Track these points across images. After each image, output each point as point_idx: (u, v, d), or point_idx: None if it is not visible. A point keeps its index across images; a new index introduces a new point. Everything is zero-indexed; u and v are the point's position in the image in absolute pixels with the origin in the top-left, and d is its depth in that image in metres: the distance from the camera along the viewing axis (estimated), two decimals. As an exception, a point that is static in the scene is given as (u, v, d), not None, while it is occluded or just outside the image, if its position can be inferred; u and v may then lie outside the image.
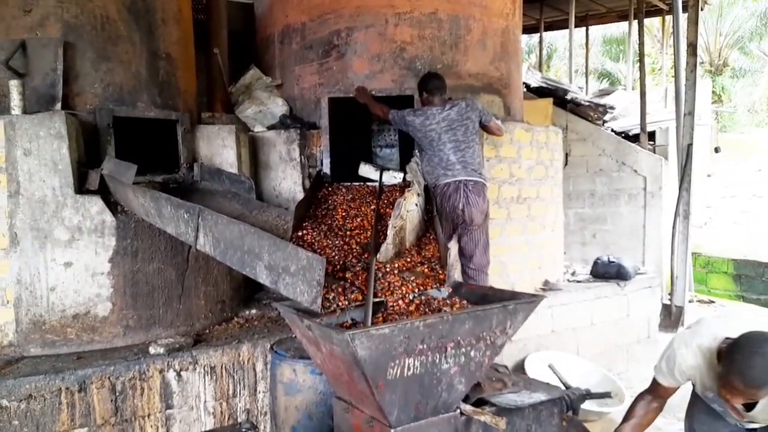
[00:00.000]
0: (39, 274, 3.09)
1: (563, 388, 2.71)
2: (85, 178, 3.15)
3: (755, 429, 2.45)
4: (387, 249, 2.77)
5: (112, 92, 3.39)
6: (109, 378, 2.95)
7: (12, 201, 3.04)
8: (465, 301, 2.52)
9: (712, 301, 7.79)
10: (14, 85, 3.05)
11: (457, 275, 3.56)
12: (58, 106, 3.16)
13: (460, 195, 3.56)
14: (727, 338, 2.25)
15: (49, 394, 2.82)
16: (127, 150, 3.37)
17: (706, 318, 2.52)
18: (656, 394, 2.56)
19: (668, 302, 6.25)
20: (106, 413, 2.95)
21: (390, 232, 2.78)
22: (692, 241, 6.93)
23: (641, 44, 8.33)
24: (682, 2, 7.31)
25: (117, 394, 2.97)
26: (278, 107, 4.71)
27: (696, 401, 2.66)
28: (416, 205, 3.17)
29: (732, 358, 2.10)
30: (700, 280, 8.88)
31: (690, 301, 7.02)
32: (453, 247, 3.64)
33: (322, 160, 4.39)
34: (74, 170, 3.09)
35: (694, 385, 2.56)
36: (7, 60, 3.10)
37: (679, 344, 2.39)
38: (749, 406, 2.25)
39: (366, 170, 4.08)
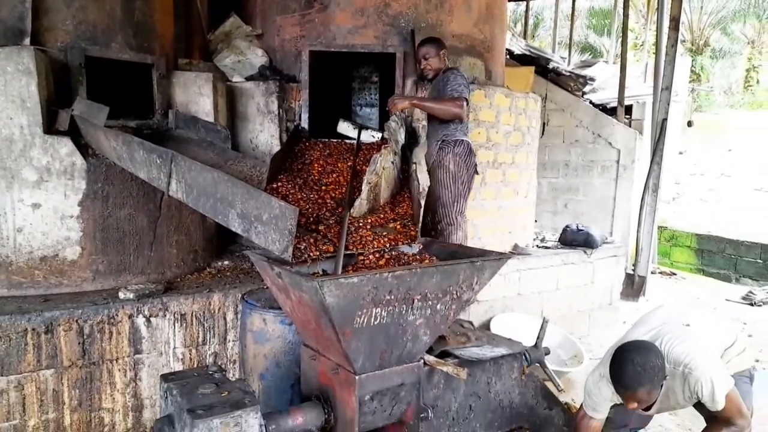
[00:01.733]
0: (5, 214, 3.03)
1: (536, 342, 2.81)
2: (54, 118, 3.06)
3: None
4: (361, 204, 2.79)
5: (84, 30, 3.27)
6: (77, 321, 2.94)
7: (-23, 138, 2.96)
8: (435, 258, 2.57)
9: (674, 273, 8.07)
10: (-20, 16, 2.93)
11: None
12: (27, 41, 3.04)
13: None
14: None
15: (14, 334, 2.81)
16: (99, 92, 3.28)
17: (608, 350, 2.65)
18: (591, 423, 2.64)
19: (632, 272, 6.45)
20: (73, 355, 2.96)
21: (365, 188, 2.80)
22: (659, 215, 7.11)
23: (625, 17, 8.32)
24: (669, -24, 7.29)
25: (85, 337, 2.97)
26: (258, 58, 4.61)
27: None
28: (392, 162, 3.18)
29: (612, 372, 2.36)
30: (664, 252, 9.16)
31: (653, 273, 7.27)
32: (465, 224, 3.55)
33: (300, 115, 4.35)
34: (43, 109, 3.00)
35: None
36: (-28, -11, 2.96)
37: (593, 382, 2.59)
38: (648, 408, 2.50)
39: (344, 128, 4.05)
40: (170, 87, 3.73)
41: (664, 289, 7.16)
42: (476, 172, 3.53)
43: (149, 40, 3.61)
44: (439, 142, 3.42)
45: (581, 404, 2.72)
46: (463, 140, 3.44)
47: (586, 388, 2.62)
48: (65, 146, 3.07)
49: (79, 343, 2.96)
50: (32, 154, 3.02)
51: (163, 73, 3.63)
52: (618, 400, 2.49)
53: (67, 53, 3.20)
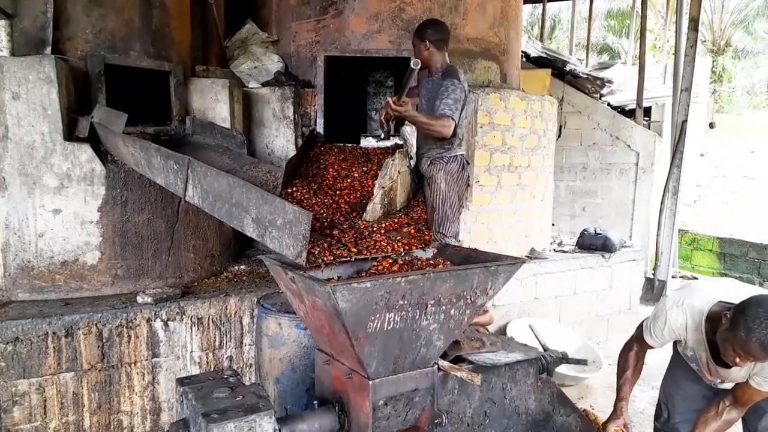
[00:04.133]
0: (27, 219, 3.09)
1: (541, 348, 2.79)
2: (74, 125, 3.12)
3: (726, 389, 2.55)
4: (374, 209, 2.80)
5: (103, 39, 3.33)
6: (96, 324, 2.99)
7: (0, 145, 3.02)
8: (449, 262, 2.56)
9: (695, 278, 7.92)
10: (2, 26, 3.01)
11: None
12: (48, 50, 3.11)
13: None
14: (721, 302, 2.31)
15: (35, 338, 2.86)
16: (118, 99, 3.34)
17: (697, 282, 2.57)
18: (641, 347, 2.65)
19: (652, 276, 6.36)
20: (93, 359, 3.01)
21: (377, 192, 2.80)
22: (680, 218, 7.01)
23: (643, 17, 8.22)
24: (688, -24, 7.20)
25: (104, 340, 3.02)
26: (273, 64, 4.66)
27: (674, 366, 2.75)
28: (408, 167, 3.18)
29: (746, 324, 2.05)
30: (685, 256, 9.00)
31: (673, 277, 7.15)
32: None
33: (315, 119, 4.38)
34: (64, 116, 3.06)
35: (676, 345, 2.64)
36: (-4, 0, 3.04)
37: (670, 305, 2.43)
38: (726, 365, 2.31)
39: (368, 142, 4.01)
40: (187, 94, 3.78)
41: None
42: (468, 185, 3.42)
43: (167, 48, 3.66)
44: (431, 158, 3.28)
45: (638, 325, 2.62)
46: (456, 155, 3.30)
47: (657, 308, 2.48)
48: (85, 153, 3.13)
49: (98, 347, 3.01)
50: (53, 160, 3.08)
51: (180, 80, 3.68)
52: (682, 337, 2.38)
53: (87, 61, 3.27)
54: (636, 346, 2.68)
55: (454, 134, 3.23)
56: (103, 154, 3.20)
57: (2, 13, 3.04)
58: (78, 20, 3.27)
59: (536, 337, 2.89)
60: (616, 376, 2.76)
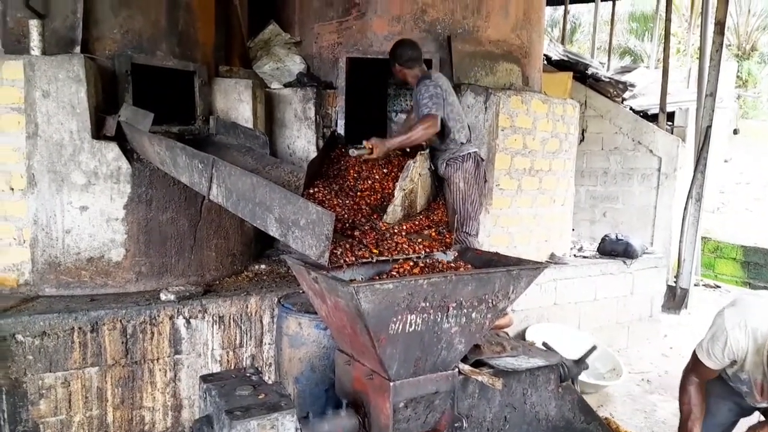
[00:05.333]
0: (55, 216, 3.15)
1: (581, 359, 2.75)
2: (102, 123, 3.18)
3: (762, 407, 2.49)
4: (395, 211, 2.80)
5: (131, 39, 3.39)
6: (120, 321, 3.04)
7: (30, 142, 3.09)
8: (470, 265, 2.55)
9: (718, 286, 7.79)
10: (34, 25, 3.06)
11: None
12: (78, 49, 3.17)
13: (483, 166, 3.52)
14: None
15: (62, 332, 2.92)
16: (144, 98, 3.39)
17: (747, 297, 2.47)
18: (700, 374, 2.50)
19: (674, 284, 6.27)
20: (117, 354, 3.05)
21: (398, 194, 2.81)
22: (703, 225, 6.90)
23: (667, 20, 8.12)
24: (714, -21, 7.10)
25: (128, 336, 3.06)
26: (296, 65, 4.69)
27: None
28: (429, 169, 3.19)
29: None
30: (707, 264, 8.85)
31: (696, 285, 7.03)
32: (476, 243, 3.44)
33: (337, 121, 4.40)
34: (92, 115, 3.12)
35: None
36: (28, 0, 3.10)
37: (731, 325, 2.30)
38: None
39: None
40: (211, 94, 3.83)
41: (707, 303, 6.92)
42: (485, 181, 3.46)
43: (192, 49, 3.71)
44: (446, 161, 3.35)
45: (693, 352, 2.48)
46: (469, 152, 3.38)
47: (715, 329, 2.35)
48: (112, 151, 3.18)
49: (122, 343, 3.05)
50: (81, 158, 3.14)
51: (204, 80, 3.73)
52: (740, 359, 2.28)
53: (115, 61, 3.32)
54: (695, 376, 2.53)
55: (449, 132, 3.33)
56: (129, 152, 3.25)
57: (34, 13, 3.10)
58: (106, 20, 3.33)
59: (586, 354, 2.83)
60: (681, 413, 2.58)
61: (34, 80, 3.04)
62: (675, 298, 6.21)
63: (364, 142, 3.05)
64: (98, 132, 3.17)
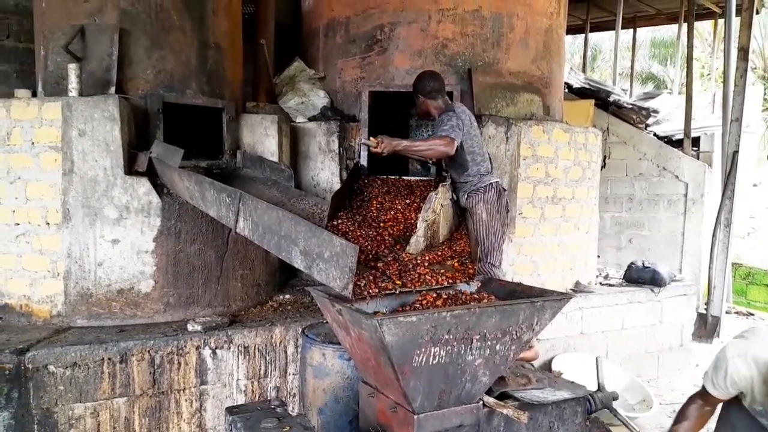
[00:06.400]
0: (88, 249, 3.26)
1: (596, 384, 2.70)
2: (134, 159, 3.30)
3: None
4: (418, 242, 2.83)
5: (163, 79, 3.54)
6: (148, 351, 3.10)
7: (66, 179, 3.22)
8: (493, 296, 2.55)
9: (751, 314, 7.57)
10: (72, 69, 3.22)
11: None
12: (112, 90, 3.32)
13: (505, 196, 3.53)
14: None
15: (92, 363, 2.99)
16: (174, 134, 3.52)
17: (760, 327, 2.43)
18: (707, 401, 2.46)
19: (704, 312, 6.12)
20: (145, 385, 3.11)
21: (421, 225, 2.84)
22: (733, 251, 6.76)
23: (690, 47, 8.11)
24: (736, 5, 7.09)
25: (155, 367, 3.12)
26: (320, 99, 4.81)
27: (729, 414, 2.60)
28: (451, 200, 3.22)
29: None
30: (739, 291, 8.62)
31: (727, 312, 6.85)
32: (499, 273, 3.44)
33: (360, 153, 4.47)
34: (125, 152, 3.25)
35: (738, 397, 2.49)
36: (67, 44, 3.27)
37: (732, 354, 2.26)
38: None
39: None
40: (239, 129, 3.94)
41: (740, 331, 6.72)
42: (507, 210, 3.46)
43: (220, 86, 3.85)
44: (467, 192, 3.36)
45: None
46: (491, 183, 3.39)
47: (718, 357, 2.30)
48: (143, 186, 3.29)
49: (150, 373, 3.11)
50: (114, 193, 3.26)
51: (232, 116, 3.85)
52: (747, 390, 2.22)
53: (147, 100, 3.47)
54: (699, 399, 2.48)
55: (470, 165, 3.33)
56: (159, 187, 3.36)
57: (73, 57, 3.27)
58: (140, 62, 3.49)
59: (597, 371, 2.79)
60: (672, 423, 2.56)
61: (71, 120, 3.18)
62: (706, 327, 6.05)
63: (371, 138, 3.13)
64: (130, 168, 3.29)
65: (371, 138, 3.16)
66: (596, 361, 2.88)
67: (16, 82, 4.71)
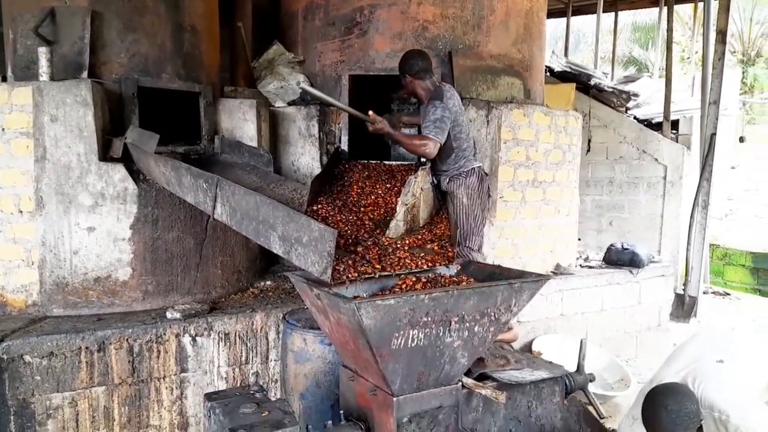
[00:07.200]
0: (63, 237, 3.20)
1: (577, 366, 2.73)
2: (109, 145, 3.24)
3: None
4: (397, 226, 2.82)
5: (137, 62, 3.46)
6: (127, 340, 3.07)
7: (38, 166, 3.15)
8: (472, 279, 2.56)
9: (728, 294, 7.73)
10: (43, 52, 3.13)
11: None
12: (85, 74, 3.24)
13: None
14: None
15: (69, 352, 2.95)
16: (150, 120, 3.45)
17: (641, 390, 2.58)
18: None
19: (682, 292, 6.23)
20: (124, 373, 3.08)
21: (400, 209, 2.83)
22: (711, 233, 6.86)
23: (669, 30, 8.15)
24: (715, -12, 7.13)
25: (134, 355, 3.09)
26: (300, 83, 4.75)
27: None
28: (431, 183, 3.21)
29: (644, 417, 2.32)
30: (716, 272, 8.80)
31: (705, 293, 6.98)
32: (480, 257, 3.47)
33: (340, 137, 4.44)
34: (99, 138, 3.18)
35: None
36: (37, 27, 3.18)
37: (626, 426, 2.54)
38: None
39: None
40: (216, 114, 3.89)
41: (717, 310, 6.86)
42: (489, 195, 3.45)
43: (197, 70, 3.78)
44: (449, 176, 3.37)
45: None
46: (473, 168, 3.39)
47: (620, 430, 2.53)
48: (119, 172, 3.23)
49: (129, 362, 3.08)
50: (88, 180, 3.19)
51: (209, 100, 3.79)
52: None
53: (121, 84, 3.39)
54: None
55: (454, 152, 3.34)
56: (135, 173, 3.30)
57: (43, 40, 3.18)
58: (113, 45, 3.40)
59: (580, 353, 2.82)
60: None
61: (43, 105, 3.10)
62: (684, 307, 6.16)
63: (370, 113, 3.21)
64: (105, 154, 3.23)
65: (371, 113, 3.17)
66: (581, 343, 2.91)
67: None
